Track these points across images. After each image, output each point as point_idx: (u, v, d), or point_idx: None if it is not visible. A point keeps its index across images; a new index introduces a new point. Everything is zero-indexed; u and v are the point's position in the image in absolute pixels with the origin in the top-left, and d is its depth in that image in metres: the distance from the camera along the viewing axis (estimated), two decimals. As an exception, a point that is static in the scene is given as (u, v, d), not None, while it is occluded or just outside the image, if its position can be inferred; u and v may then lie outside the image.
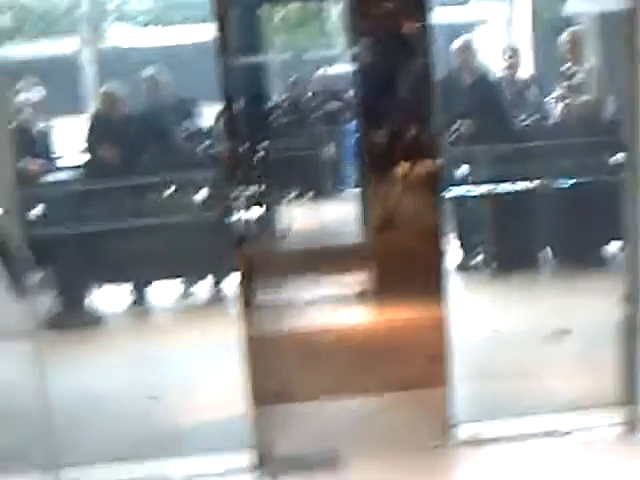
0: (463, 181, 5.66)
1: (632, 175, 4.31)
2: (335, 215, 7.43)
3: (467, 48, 6.15)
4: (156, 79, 6.18)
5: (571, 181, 5.65)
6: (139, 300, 6.07)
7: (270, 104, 7.34)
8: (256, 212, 4.07)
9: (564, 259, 6.03)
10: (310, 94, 8.07)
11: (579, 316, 4.92)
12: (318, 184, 7.76)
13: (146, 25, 8.54)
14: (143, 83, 6.19)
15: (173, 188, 5.73)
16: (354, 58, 5.74)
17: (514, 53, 6.39)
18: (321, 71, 8.16)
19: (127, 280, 6.05)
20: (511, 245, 5.97)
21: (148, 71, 6.18)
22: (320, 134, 7.73)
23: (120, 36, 8.20)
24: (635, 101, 4.20)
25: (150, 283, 6.07)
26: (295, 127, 7.65)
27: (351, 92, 7.23)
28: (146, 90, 6.19)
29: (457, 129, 5.83)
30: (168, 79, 6.18)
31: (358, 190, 6.74)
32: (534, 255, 6.02)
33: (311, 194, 7.81)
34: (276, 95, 7.72)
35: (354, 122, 7.35)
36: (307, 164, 7.53)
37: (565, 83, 6.27)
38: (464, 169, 5.59)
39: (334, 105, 7.92)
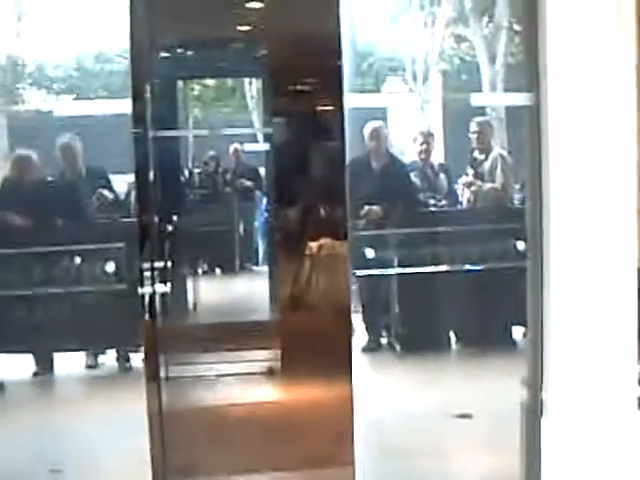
0: (370, 263, 5.74)
1: (534, 262, 4.46)
2: (244, 291, 7.45)
3: (377, 133, 6.28)
4: (71, 147, 6.14)
5: (476, 267, 5.79)
6: (42, 370, 5.92)
7: (183, 179, 7.38)
8: (164, 286, 4.06)
9: (469, 342, 6.13)
10: (222, 170, 8.16)
11: (484, 398, 5.00)
12: (228, 260, 7.78)
13: (60, 93, 8.51)
14: (58, 151, 6.14)
15: (81, 258, 5.67)
16: (269, 136, 5.84)
17: (426, 139, 6.56)
18: (234, 147, 8.25)
19: (30, 349, 5.90)
20: (416, 328, 6.07)
21: (63, 139, 6.14)
22: (232, 210, 7.79)
23: (34, 102, 8.14)
24: (536, 191, 4.37)
25: (54, 353, 5.94)
26: (207, 202, 7.70)
27: (263, 170, 7.35)
28: (60, 158, 6.14)
29: (366, 212, 5.94)
30: (82, 149, 6.15)
31: (268, 267, 6.80)
32: (439, 338, 6.11)
33: (220, 270, 7.83)
34: (189, 170, 7.78)
35: (265, 200, 7.46)
36: (218, 240, 7.57)
37: (472, 171, 6.46)
38: (371, 252, 5.68)
39: (247, 182, 8.01)
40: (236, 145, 8.20)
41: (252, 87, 8.97)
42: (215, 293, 7.22)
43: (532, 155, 4.43)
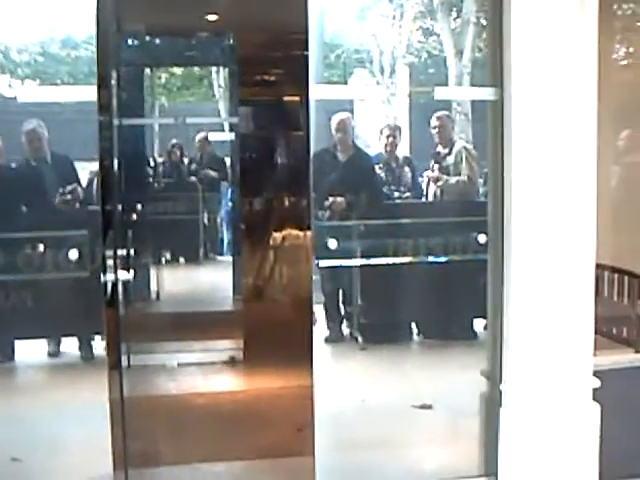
0: (333, 254, 5.76)
1: (494, 255, 4.51)
2: (208, 281, 7.44)
3: (344, 124, 6.29)
4: (37, 133, 6.10)
5: (439, 259, 5.83)
6: (4, 357, 5.88)
7: (148, 167, 7.34)
8: (126, 274, 4.05)
9: (431, 334, 6.18)
10: (188, 159, 8.13)
11: (444, 389, 5.05)
12: (192, 250, 7.77)
13: (24, 79, 8.43)
14: (23, 136, 6.10)
15: (44, 245, 5.63)
16: (234, 126, 5.82)
17: (392, 132, 6.59)
18: (200, 135, 8.22)
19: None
20: (378, 319, 6.11)
21: (29, 124, 6.09)
22: (197, 200, 7.77)
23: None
24: (498, 184, 4.42)
25: (16, 340, 5.90)
26: (172, 191, 7.67)
27: (229, 159, 7.33)
28: (25, 144, 6.10)
29: (331, 203, 5.96)
30: (47, 135, 6.11)
31: (232, 257, 6.80)
32: (401, 329, 6.15)
33: (184, 259, 7.81)
34: (154, 159, 7.74)
35: (231, 190, 7.45)
36: (182, 229, 7.54)
37: (436, 164, 6.50)
38: (334, 243, 5.71)
39: (212, 172, 7.99)
40: (202, 134, 8.18)
41: (220, 76, 8.93)
42: (178, 282, 7.19)
43: (494, 149, 4.48)
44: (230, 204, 7.64)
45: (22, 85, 8.43)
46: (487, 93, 4.52)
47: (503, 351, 4.47)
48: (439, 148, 6.56)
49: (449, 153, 6.48)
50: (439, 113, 6.56)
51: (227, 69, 7.18)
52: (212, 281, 7.31)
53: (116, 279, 4.05)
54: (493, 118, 4.51)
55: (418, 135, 7.49)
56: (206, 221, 7.88)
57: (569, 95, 4.30)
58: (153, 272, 6.83)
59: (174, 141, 7.94)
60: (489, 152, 4.61)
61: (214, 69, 8.56)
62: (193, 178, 7.92)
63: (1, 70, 8.29)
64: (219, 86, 8.80)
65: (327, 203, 5.97)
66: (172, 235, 7.20)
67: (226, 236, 7.97)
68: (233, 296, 6.42)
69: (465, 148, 6.45)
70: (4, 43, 8.15)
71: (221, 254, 7.88)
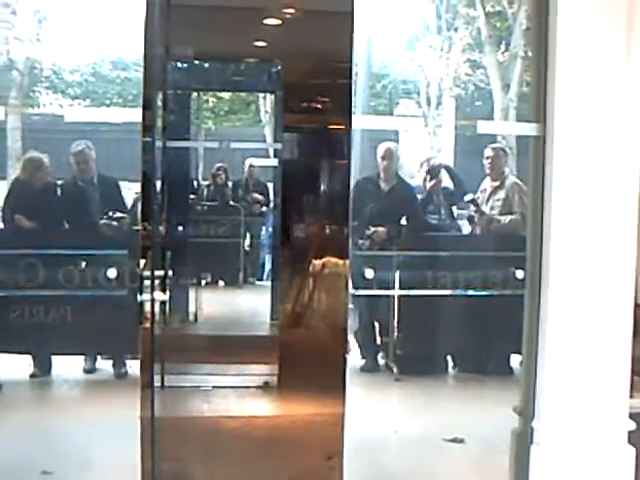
0: (370, 284, 5.77)
1: (531, 290, 4.48)
2: (246, 305, 7.48)
3: (390, 153, 6.31)
4: (85, 154, 6.20)
5: (478, 292, 5.81)
6: (41, 371, 5.96)
7: (192, 190, 7.42)
8: (163, 294, 4.08)
9: (466, 367, 6.14)
10: (232, 183, 8.21)
11: (477, 423, 5.01)
12: (232, 273, 7.82)
13: (75, 98, 8.59)
14: (72, 157, 6.20)
15: (86, 263, 5.71)
16: (278, 152, 5.87)
17: (435, 174, 6.57)
18: (249, 161, 8.32)
19: (30, 350, 5.94)
20: (413, 350, 6.09)
21: (78, 146, 6.20)
22: (239, 224, 7.83)
23: (49, 106, 8.23)
24: (537, 220, 4.39)
25: (54, 355, 5.98)
26: (215, 214, 7.74)
27: (272, 185, 7.39)
28: (74, 164, 6.20)
29: (372, 233, 5.97)
30: (94, 156, 6.21)
31: (271, 283, 6.83)
32: (437, 361, 6.12)
33: (223, 283, 7.86)
34: (198, 181, 7.82)
35: (272, 215, 7.51)
36: (223, 252, 7.60)
37: (483, 197, 6.47)
38: (371, 272, 5.71)
39: (256, 196, 8.06)
40: (251, 160, 8.29)
41: (266, 102, 9.02)
42: (217, 305, 7.23)
43: (535, 185, 4.46)
44: (271, 229, 7.70)
45: (72, 104, 8.59)
46: (530, 129, 4.50)
47: (537, 388, 4.42)
48: (488, 181, 6.50)
49: (500, 187, 6.43)
50: (494, 145, 6.52)
51: (274, 95, 7.24)
52: (250, 305, 7.34)
53: (152, 299, 4.08)
54: (535, 154, 4.49)
55: (462, 167, 7.48)
56: (247, 246, 7.94)
57: (612, 135, 4.27)
58: (192, 294, 6.88)
59: (219, 165, 8.02)
60: (530, 187, 4.59)
61: (261, 95, 8.65)
62: (237, 202, 8.00)
63: (53, 89, 8.45)
64: (265, 112, 8.90)
65: (368, 232, 5.98)
66: (213, 258, 7.26)
67: (267, 261, 8.03)
68: (270, 321, 6.46)
69: (517, 184, 6.36)
70: (57, 63, 8.32)
71: (261, 279, 7.93)
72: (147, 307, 4.11)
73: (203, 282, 7.45)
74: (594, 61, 4.25)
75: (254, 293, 7.64)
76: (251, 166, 8.20)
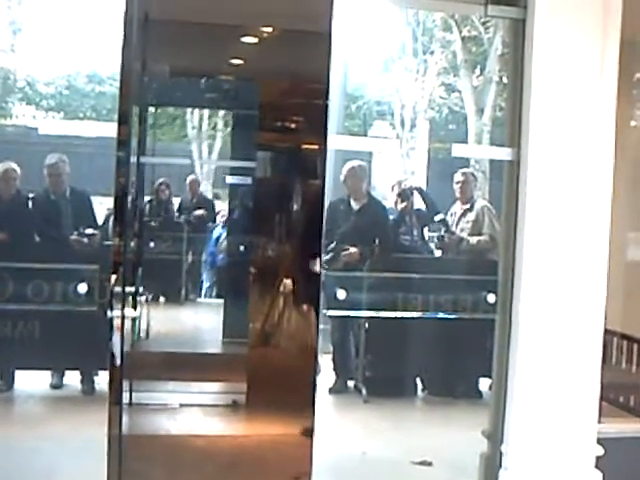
0: (341, 305, 5.75)
1: (502, 315, 4.48)
2: (191, 322, 7.45)
3: (354, 172, 6.28)
4: (58, 167, 6.14)
5: (447, 315, 5.81)
6: (5, 387, 5.87)
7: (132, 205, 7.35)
8: (135, 311, 4.04)
9: (436, 390, 6.14)
10: (180, 201, 8.16)
11: (445, 446, 5.00)
12: (173, 290, 7.75)
13: (49, 110, 8.53)
14: (45, 169, 6.15)
15: (54, 277, 5.65)
16: (250, 170, 5.86)
17: (406, 197, 6.58)
18: (191, 178, 8.29)
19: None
20: (383, 372, 6.07)
21: (51, 158, 6.14)
22: (181, 240, 7.75)
23: (23, 118, 8.16)
24: (509, 244, 4.41)
25: (19, 370, 5.89)
26: (158, 230, 7.64)
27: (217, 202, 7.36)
28: (47, 176, 6.15)
29: (341, 253, 5.96)
30: (68, 170, 6.15)
31: (219, 300, 6.81)
32: (406, 383, 6.11)
33: (164, 299, 7.77)
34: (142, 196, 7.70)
35: (218, 232, 7.48)
36: (165, 268, 7.50)
37: (453, 220, 6.50)
38: (343, 293, 5.70)
39: (198, 213, 8.01)
40: (193, 176, 8.26)
41: (193, 117, 8.99)
42: (162, 322, 7.14)
43: (508, 209, 4.48)
44: (213, 247, 7.68)
45: (46, 117, 8.53)
46: (504, 153, 4.53)
47: (506, 412, 4.42)
48: (458, 204, 6.54)
49: (470, 209, 6.47)
50: (464, 170, 6.57)
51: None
52: (194, 323, 7.32)
53: (123, 315, 4.04)
54: (509, 178, 4.51)
55: (435, 190, 7.51)
56: (189, 262, 7.85)
57: (585, 160, 4.31)
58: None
59: (161, 180, 7.89)
60: (503, 211, 4.60)
61: (189, 110, 8.57)
62: (180, 219, 7.93)
63: (26, 101, 8.39)
64: (193, 127, 8.84)
65: (343, 254, 5.97)
66: (155, 274, 7.14)
67: (205, 279, 7.98)
68: (222, 339, 6.46)
69: (487, 207, 6.42)
70: (31, 75, 8.26)
71: (199, 296, 7.90)
72: (115, 324, 4.07)
73: (143, 298, 7.36)
74: (568, 87, 4.29)
75: (195, 310, 7.61)
76: (194, 183, 8.18)
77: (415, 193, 6.75)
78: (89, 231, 5.84)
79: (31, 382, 5.92)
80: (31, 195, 6.16)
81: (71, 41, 6.91)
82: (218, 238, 7.78)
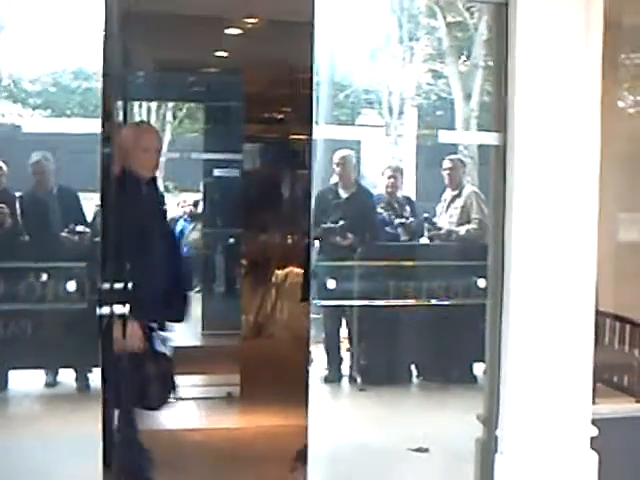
0: (332, 294, 5.75)
1: (493, 300, 4.48)
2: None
3: (344, 160, 6.27)
4: (42, 165, 6.12)
5: (439, 302, 5.81)
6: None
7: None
8: (124, 307, 4.02)
9: (430, 376, 6.14)
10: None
11: (441, 432, 5.00)
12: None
13: (35, 108, 8.49)
14: (29, 168, 6.12)
15: (44, 276, 5.63)
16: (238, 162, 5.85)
17: (395, 173, 6.58)
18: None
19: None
20: (377, 360, 6.07)
21: (35, 156, 6.12)
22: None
23: (8, 116, 8.12)
24: (499, 229, 4.40)
25: (11, 369, 5.87)
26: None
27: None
28: (31, 175, 6.12)
29: (331, 241, 5.94)
30: (53, 168, 6.13)
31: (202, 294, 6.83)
32: (400, 370, 6.10)
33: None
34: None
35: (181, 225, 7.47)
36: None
37: (443, 207, 6.50)
38: (333, 283, 5.70)
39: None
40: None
41: (160, 112, 8.96)
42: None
43: (496, 194, 4.47)
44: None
45: (32, 114, 8.49)
46: (491, 138, 4.52)
47: (500, 396, 4.42)
48: (448, 191, 6.55)
49: (458, 196, 6.47)
50: (452, 156, 6.57)
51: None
52: None
53: (112, 312, 4.02)
54: (496, 163, 4.50)
55: (424, 177, 7.51)
56: None
57: (571, 144, 4.31)
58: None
59: None
60: (491, 196, 4.60)
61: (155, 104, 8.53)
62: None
63: (12, 99, 8.34)
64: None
65: (329, 239, 5.95)
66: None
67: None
68: (202, 331, 6.49)
69: (475, 192, 6.43)
70: (16, 73, 8.22)
71: None
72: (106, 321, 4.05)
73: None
74: (553, 70, 4.28)
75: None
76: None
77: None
78: (79, 228, 5.83)
79: (26, 381, 5.92)
80: (18, 194, 6.13)
81: (55, 37, 6.88)
82: (182, 231, 7.82)
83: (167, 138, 8.68)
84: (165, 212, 4.87)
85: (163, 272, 4.36)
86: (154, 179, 4.52)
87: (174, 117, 8.91)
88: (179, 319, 4.64)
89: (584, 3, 4.26)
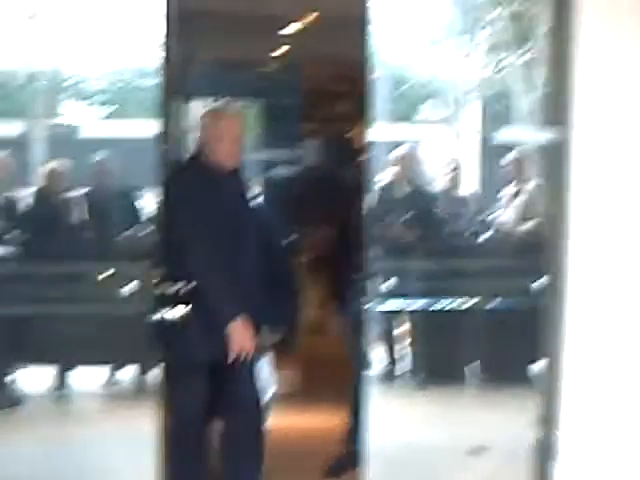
0: (392, 293, 5.72)
1: (553, 300, 4.40)
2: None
3: (406, 158, 6.23)
4: (105, 165, 6.22)
5: (500, 301, 5.72)
6: (62, 384, 5.98)
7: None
8: (180, 310, 3.99)
9: (490, 375, 6.06)
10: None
11: (500, 432, 4.95)
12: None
13: (103, 104, 8.63)
14: (94, 167, 6.23)
15: (106, 276, 5.72)
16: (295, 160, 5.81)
17: (455, 168, 6.49)
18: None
19: (52, 363, 5.96)
20: (438, 358, 6.00)
21: (99, 155, 6.22)
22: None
23: (74, 114, 8.26)
24: (559, 228, 4.32)
25: (74, 368, 5.99)
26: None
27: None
28: (96, 174, 6.22)
29: (390, 239, 5.91)
30: (116, 166, 6.22)
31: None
32: (461, 369, 6.04)
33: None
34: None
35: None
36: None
37: (506, 203, 6.39)
38: (393, 282, 5.67)
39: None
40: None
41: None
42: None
43: (556, 191, 4.39)
44: None
45: (97, 111, 8.63)
46: (550, 133, 4.44)
47: (559, 398, 4.35)
48: (510, 186, 6.44)
49: (522, 190, 6.36)
50: (518, 148, 6.46)
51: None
52: None
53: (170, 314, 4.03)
54: (557, 158, 4.42)
55: (488, 171, 7.42)
56: None
57: (635, 139, 4.21)
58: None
59: None
60: (549, 193, 4.52)
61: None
62: None
63: (76, 97, 8.48)
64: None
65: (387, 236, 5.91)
66: None
67: None
68: None
69: (540, 187, 6.30)
70: (81, 73, 8.36)
71: None
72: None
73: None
74: (615, 65, 4.19)
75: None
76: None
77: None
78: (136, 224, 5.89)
79: (88, 379, 6.03)
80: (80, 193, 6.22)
81: (119, 36, 6.97)
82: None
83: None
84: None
85: (253, 269, 4.02)
86: (236, 170, 4.08)
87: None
88: (283, 322, 4.32)
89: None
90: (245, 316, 3.86)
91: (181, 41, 4.61)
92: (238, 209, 4.06)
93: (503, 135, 5.52)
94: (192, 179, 3.95)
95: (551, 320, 4.44)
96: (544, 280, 4.58)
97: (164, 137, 4.53)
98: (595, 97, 4.21)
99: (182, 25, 4.56)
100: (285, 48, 6.13)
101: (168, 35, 4.43)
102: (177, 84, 4.76)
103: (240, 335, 3.84)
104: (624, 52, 4.19)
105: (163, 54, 4.46)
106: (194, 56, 5.55)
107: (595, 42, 4.19)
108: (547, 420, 4.49)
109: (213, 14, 5.34)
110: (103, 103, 8.60)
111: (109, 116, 8.53)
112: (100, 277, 5.71)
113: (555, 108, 4.46)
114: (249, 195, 4.30)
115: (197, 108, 6.74)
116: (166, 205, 4.06)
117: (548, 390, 4.46)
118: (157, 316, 4.00)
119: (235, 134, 4.03)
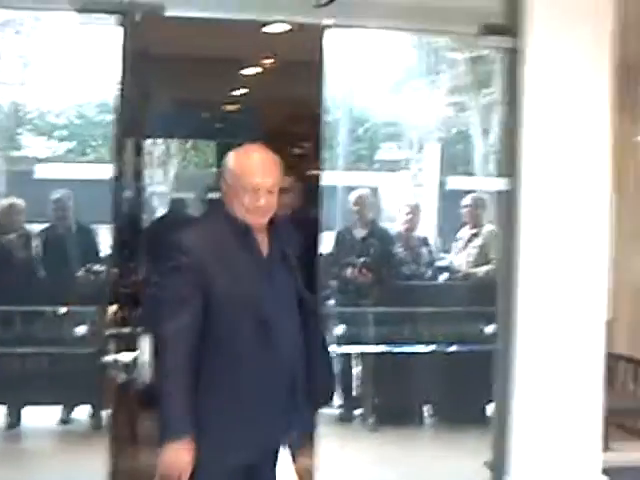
0: (347, 337, 5.72)
1: (503, 345, 4.44)
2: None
3: (361, 200, 6.25)
4: (63, 202, 6.16)
5: (452, 347, 5.76)
6: (13, 423, 5.89)
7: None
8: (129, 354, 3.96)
9: (444, 417, 6.07)
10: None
11: (454, 474, 4.95)
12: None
13: (62, 140, 8.59)
14: (51, 204, 6.17)
15: (58, 317, 5.67)
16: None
17: (413, 211, 6.49)
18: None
19: (2, 402, 5.88)
20: (390, 400, 6.00)
21: (56, 194, 6.17)
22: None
23: (33, 148, 8.22)
24: (510, 274, 4.37)
25: (25, 406, 5.91)
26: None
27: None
28: (53, 211, 6.17)
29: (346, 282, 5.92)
30: (72, 205, 6.17)
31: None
32: (415, 411, 6.03)
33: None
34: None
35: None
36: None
37: (460, 245, 6.42)
38: (343, 328, 5.69)
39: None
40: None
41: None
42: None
43: (505, 238, 4.45)
44: None
45: (58, 146, 8.58)
46: (499, 184, 4.52)
47: (508, 442, 4.38)
48: (466, 229, 6.45)
49: (477, 235, 6.39)
50: (473, 194, 6.48)
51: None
52: None
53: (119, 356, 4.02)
54: (505, 208, 4.49)
55: (445, 213, 7.45)
56: None
57: (582, 187, 4.30)
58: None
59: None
60: (501, 239, 4.59)
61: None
62: None
63: (37, 132, 8.44)
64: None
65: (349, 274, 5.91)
66: None
67: None
68: None
69: (494, 232, 6.32)
70: (42, 107, 8.32)
71: None
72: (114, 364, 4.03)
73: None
74: (562, 116, 4.28)
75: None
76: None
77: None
78: (96, 267, 5.85)
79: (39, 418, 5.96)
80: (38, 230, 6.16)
81: (79, 72, 6.96)
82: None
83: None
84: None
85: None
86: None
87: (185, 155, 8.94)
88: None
89: (593, 49, 4.25)
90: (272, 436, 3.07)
91: (138, 80, 4.61)
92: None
93: (459, 181, 5.55)
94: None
95: (502, 363, 4.49)
96: (496, 324, 4.64)
97: (119, 176, 4.53)
98: (543, 148, 4.30)
99: (139, 64, 4.56)
100: (243, 90, 6.20)
101: (124, 74, 4.43)
102: (133, 123, 4.76)
103: (172, 461, 2.93)
104: (571, 104, 4.29)
105: (119, 92, 4.45)
106: (151, 95, 5.59)
107: (541, 94, 4.29)
108: (494, 466, 4.53)
109: (171, 55, 5.38)
110: (62, 139, 8.56)
111: (68, 152, 8.49)
112: (53, 316, 5.65)
113: (506, 159, 4.54)
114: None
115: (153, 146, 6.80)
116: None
117: (497, 435, 4.50)
118: (109, 358, 3.97)
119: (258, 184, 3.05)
